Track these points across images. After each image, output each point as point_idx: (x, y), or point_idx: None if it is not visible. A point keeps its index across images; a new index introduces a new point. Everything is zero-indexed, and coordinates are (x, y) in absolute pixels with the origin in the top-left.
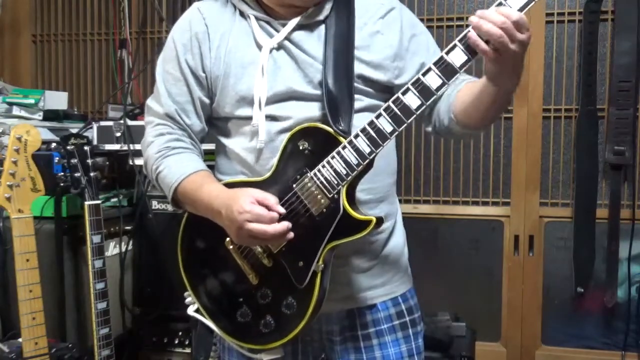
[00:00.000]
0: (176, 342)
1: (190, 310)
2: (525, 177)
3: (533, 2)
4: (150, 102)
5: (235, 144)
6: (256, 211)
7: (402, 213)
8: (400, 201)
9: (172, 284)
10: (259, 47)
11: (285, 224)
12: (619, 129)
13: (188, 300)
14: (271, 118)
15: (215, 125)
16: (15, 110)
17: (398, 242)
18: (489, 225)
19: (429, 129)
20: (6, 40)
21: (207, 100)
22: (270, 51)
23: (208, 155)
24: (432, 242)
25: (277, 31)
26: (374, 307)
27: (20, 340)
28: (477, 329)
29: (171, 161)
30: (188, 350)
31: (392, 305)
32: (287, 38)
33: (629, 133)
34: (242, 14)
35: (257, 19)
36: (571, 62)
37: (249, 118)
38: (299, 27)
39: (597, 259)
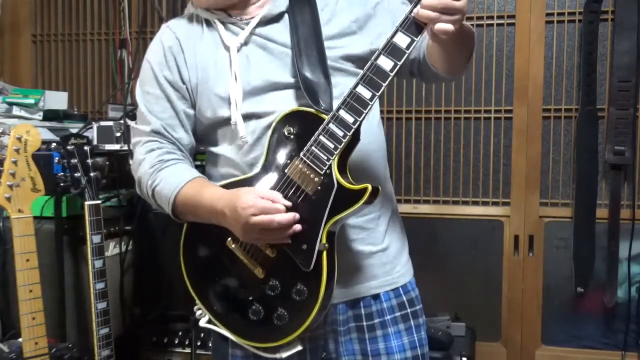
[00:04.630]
0: (176, 342)
1: (203, 323)
2: (525, 177)
3: None
4: (134, 125)
5: (225, 149)
6: (260, 204)
7: (402, 213)
8: (400, 201)
9: (172, 284)
10: (227, 48)
11: (293, 214)
12: (619, 129)
13: (198, 313)
14: (255, 116)
15: (202, 139)
16: (15, 110)
17: (396, 230)
18: (489, 225)
19: (415, 79)
20: (6, 40)
21: (191, 112)
22: (240, 49)
23: (202, 155)
24: (432, 242)
25: (243, 30)
26: (377, 297)
27: (20, 340)
28: (477, 329)
29: (166, 173)
30: (188, 350)
31: (394, 296)
32: (255, 33)
33: (629, 133)
34: (208, 22)
35: (222, 22)
36: (571, 62)
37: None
38: (264, 22)
39: (597, 259)
